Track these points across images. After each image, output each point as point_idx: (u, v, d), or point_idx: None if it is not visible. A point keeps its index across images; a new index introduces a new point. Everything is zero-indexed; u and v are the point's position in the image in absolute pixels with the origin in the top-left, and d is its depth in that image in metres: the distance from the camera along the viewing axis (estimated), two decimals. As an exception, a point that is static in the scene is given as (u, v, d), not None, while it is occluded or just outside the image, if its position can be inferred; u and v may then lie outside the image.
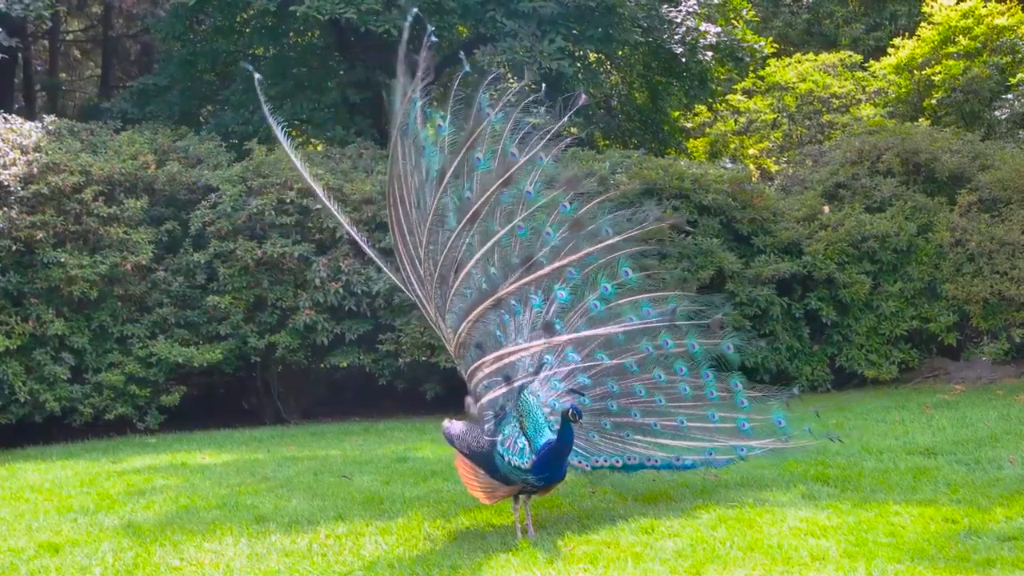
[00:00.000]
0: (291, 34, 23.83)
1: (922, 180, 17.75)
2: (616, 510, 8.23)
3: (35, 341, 15.31)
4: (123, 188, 16.51)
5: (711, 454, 8.50)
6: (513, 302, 7.93)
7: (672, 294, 8.95)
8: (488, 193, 7.65)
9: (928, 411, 12.98)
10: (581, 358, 8.24)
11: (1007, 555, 6.33)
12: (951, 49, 24.26)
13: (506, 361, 7.64)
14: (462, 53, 8.59)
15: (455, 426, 8.00)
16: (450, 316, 7.79)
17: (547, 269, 7.64)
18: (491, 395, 7.68)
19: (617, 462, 8.28)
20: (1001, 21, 23.97)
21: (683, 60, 22.66)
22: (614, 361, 8.37)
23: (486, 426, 7.66)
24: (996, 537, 6.75)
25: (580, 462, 8.11)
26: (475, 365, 7.74)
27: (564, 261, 7.74)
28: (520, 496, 7.64)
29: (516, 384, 7.56)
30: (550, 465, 7.33)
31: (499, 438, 7.51)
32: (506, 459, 7.42)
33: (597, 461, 8.22)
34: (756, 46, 24.22)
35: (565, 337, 7.93)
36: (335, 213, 8.77)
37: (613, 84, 26.50)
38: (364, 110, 23.10)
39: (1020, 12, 24.24)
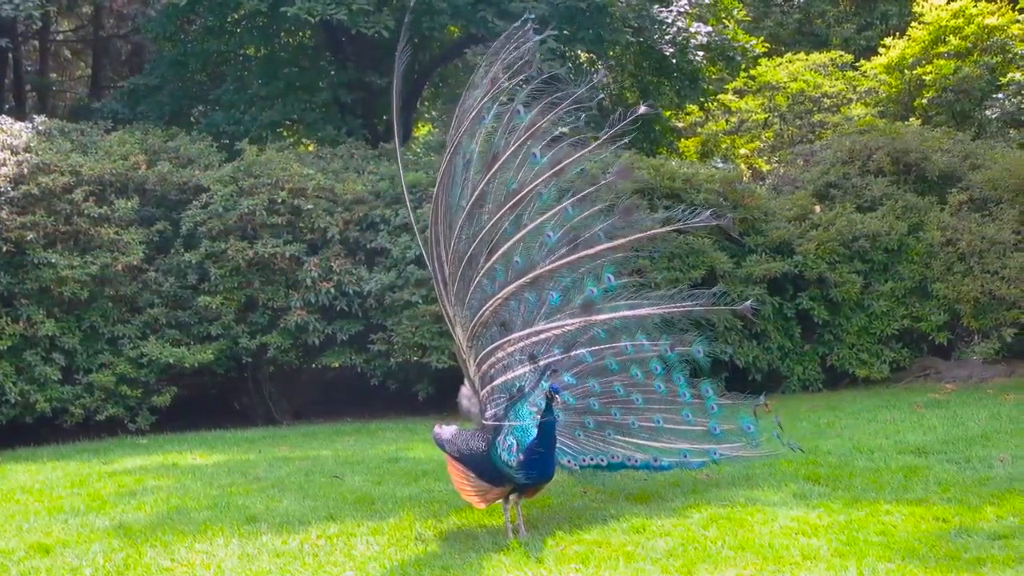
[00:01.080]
0: (282, 34, 23.80)
1: (913, 179, 17.78)
2: (607, 510, 8.23)
3: (25, 342, 15.27)
4: (114, 188, 16.49)
5: (686, 456, 8.53)
6: (549, 285, 8.07)
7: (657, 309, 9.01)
8: (539, 181, 7.90)
9: (919, 410, 12.99)
10: (567, 358, 8.25)
11: (997, 554, 6.34)
12: (942, 49, 24.33)
13: (537, 339, 7.79)
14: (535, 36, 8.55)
15: (445, 430, 8.02)
16: (472, 298, 7.81)
17: (594, 250, 7.82)
18: (508, 375, 7.74)
19: (602, 461, 8.30)
20: (991, 21, 24.04)
21: (674, 61, 22.65)
22: (596, 361, 8.44)
23: (490, 411, 7.67)
24: (987, 536, 6.76)
25: (569, 461, 8.12)
26: (496, 344, 7.79)
27: (614, 243, 7.91)
28: (511, 496, 7.64)
29: (542, 363, 7.64)
30: (537, 463, 7.35)
31: (506, 423, 7.51)
32: (498, 452, 7.44)
33: (585, 460, 8.23)
34: (747, 46, 24.26)
35: (604, 316, 8.08)
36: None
37: (604, 84, 26.51)
38: (355, 110, 23.11)
39: (1010, 12, 24.31)
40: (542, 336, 7.87)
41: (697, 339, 8.73)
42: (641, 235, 8.04)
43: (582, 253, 7.78)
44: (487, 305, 7.71)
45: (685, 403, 8.68)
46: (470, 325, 7.79)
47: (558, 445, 7.84)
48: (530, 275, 7.68)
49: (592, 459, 8.26)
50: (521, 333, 7.82)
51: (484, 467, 7.56)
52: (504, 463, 7.41)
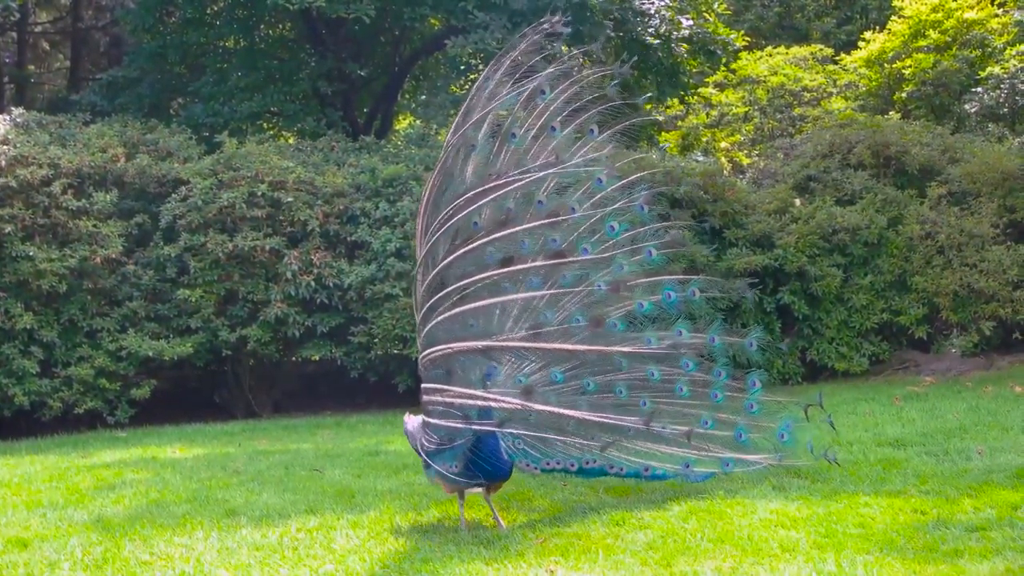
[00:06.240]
0: (262, 26, 23.72)
1: (892, 173, 17.83)
2: (587, 502, 8.23)
3: (3, 335, 15.20)
4: (92, 181, 16.40)
5: (688, 466, 8.09)
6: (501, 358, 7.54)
7: (695, 277, 8.63)
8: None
9: (898, 403, 13.05)
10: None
11: (975, 546, 6.37)
12: (921, 43, 24.43)
13: (471, 403, 7.38)
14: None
15: (411, 422, 8.00)
16: (431, 331, 7.55)
17: (550, 346, 7.36)
18: (442, 422, 7.45)
19: (572, 465, 7.84)
20: (970, 15, 24.16)
21: (659, 54, 22.61)
22: (599, 348, 7.77)
23: (425, 441, 7.56)
24: (964, 528, 6.79)
25: (528, 464, 7.73)
26: (435, 387, 7.52)
27: (567, 347, 7.38)
28: (479, 490, 7.63)
29: (473, 427, 7.34)
30: (479, 469, 7.33)
31: (434, 464, 7.47)
32: (435, 472, 7.51)
33: (549, 463, 7.79)
34: (728, 39, 24.28)
35: (542, 407, 7.48)
36: None
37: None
38: (335, 102, 23.06)
39: (989, 6, 24.44)
40: (475, 402, 7.38)
41: (753, 332, 8.44)
42: (604, 349, 7.51)
43: (540, 344, 7.34)
44: (435, 348, 7.46)
45: (711, 405, 8.15)
46: (422, 354, 7.59)
47: (521, 447, 7.63)
48: (483, 342, 7.29)
49: (559, 463, 7.81)
50: (454, 388, 7.41)
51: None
52: (444, 474, 7.46)
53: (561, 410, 7.55)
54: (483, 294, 7.39)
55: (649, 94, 21.88)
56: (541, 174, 7.53)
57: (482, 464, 7.34)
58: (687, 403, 8.13)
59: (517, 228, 7.39)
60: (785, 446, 8.29)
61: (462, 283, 7.35)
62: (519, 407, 7.34)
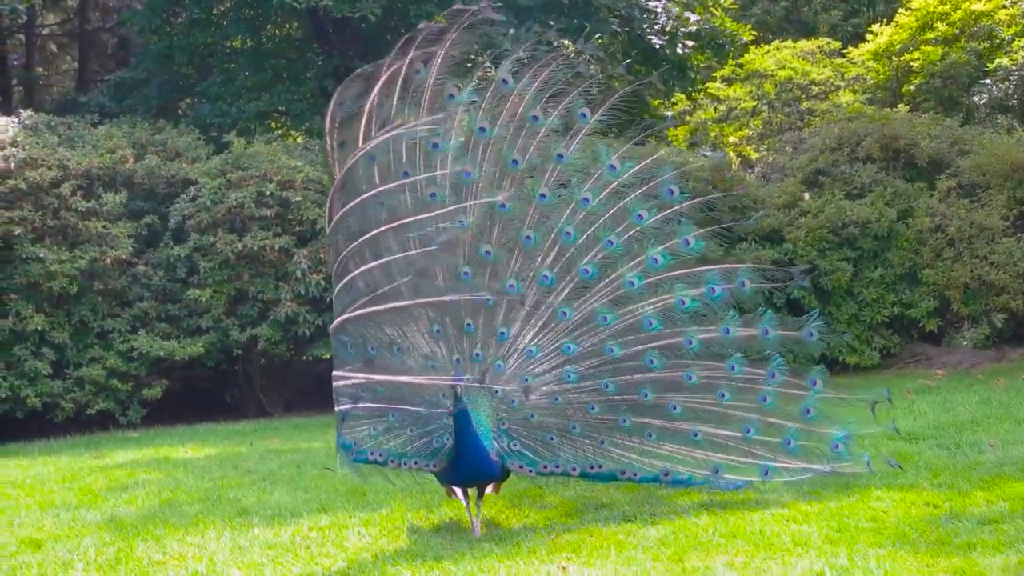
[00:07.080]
0: (269, 26, 23.74)
1: (901, 166, 17.77)
2: (599, 499, 8.21)
3: (15, 337, 15.27)
4: (101, 182, 16.46)
5: (718, 471, 7.51)
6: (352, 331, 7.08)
7: (744, 266, 8.11)
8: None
9: (910, 397, 13.00)
10: (580, 351, 7.39)
11: (987, 538, 6.34)
12: (929, 35, 24.33)
13: (334, 384, 6.97)
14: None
15: None
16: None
17: (383, 307, 6.74)
18: (337, 407, 7.09)
19: (573, 470, 7.44)
20: (978, 6, 24.04)
21: (665, 51, 22.58)
22: (628, 355, 7.40)
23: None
24: (977, 521, 6.76)
25: (522, 467, 7.38)
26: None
27: (401, 304, 6.79)
28: (468, 491, 7.49)
29: (338, 410, 6.98)
30: (459, 466, 7.18)
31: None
32: (395, 465, 7.44)
33: (546, 467, 7.42)
34: (735, 33, 24.22)
35: (382, 376, 7.01)
36: None
37: (592, 74, 26.44)
38: (343, 100, 23.04)
39: (997, -3, 24.33)
40: (344, 382, 6.90)
41: (810, 320, 7.84)
42: (431, 300, 6.84)
43: (374, 308, 6.74)
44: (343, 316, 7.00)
45: (759, 408, 7.50)
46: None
47: (517, 448, 7.37)
48: (338, 319, 6.91)
49: (559, 467, 7.41)
50: (334, 372, 6.97)
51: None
52: (428, 469, 7.42)
53: (399, 377, 7.04)
54: (347, 271, 6.94)
55: (628, 60, 21.76)
56: (382, 138, 7.10)
57: (464, 463, 7.12)
58: (729, 406, 7.52)
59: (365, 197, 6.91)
60: (839, 457, 7.60)
61: (335, 264, 7.09)
62: (363, 381, 6.93)
